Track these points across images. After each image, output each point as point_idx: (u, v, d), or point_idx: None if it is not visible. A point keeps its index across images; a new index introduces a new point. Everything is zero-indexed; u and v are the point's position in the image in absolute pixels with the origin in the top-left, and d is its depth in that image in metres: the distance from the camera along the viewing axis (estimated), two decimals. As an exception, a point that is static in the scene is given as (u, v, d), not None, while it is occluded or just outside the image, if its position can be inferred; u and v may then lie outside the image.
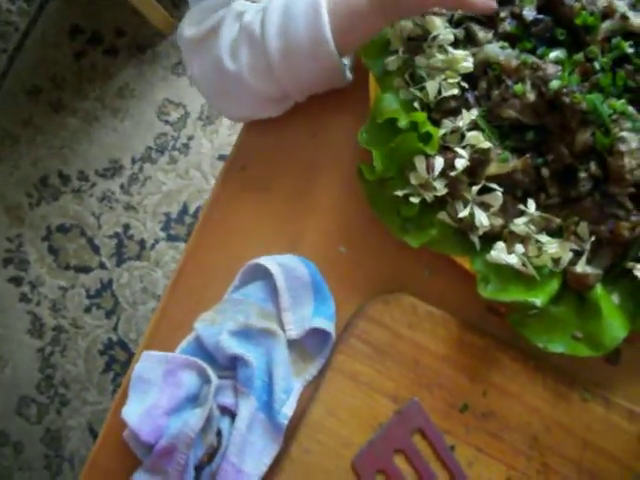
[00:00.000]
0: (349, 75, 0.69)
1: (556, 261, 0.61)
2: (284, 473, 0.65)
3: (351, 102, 0.71)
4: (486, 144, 0.61)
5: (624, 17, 0.61)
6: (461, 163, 0.60)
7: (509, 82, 0.61)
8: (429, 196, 0.62)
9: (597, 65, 0.60)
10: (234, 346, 0.65)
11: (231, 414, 0.67)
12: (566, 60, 0.61)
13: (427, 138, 0.61)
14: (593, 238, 0.60)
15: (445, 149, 0.62)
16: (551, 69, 0.60)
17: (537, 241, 0.61)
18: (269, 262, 0.67)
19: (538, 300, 0.59)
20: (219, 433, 0.67)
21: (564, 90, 0.59)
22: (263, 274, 0.68)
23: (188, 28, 0.70)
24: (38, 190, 1.84)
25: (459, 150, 0.61)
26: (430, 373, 0.65)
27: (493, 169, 0.61)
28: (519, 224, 0.61)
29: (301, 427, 0.66)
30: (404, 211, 0.63)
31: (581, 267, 0.60)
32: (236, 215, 0.72)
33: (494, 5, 0.60)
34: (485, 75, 0.63)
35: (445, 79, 0.62)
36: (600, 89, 0.59)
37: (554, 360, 0.64)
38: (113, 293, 1.77)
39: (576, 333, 0.61)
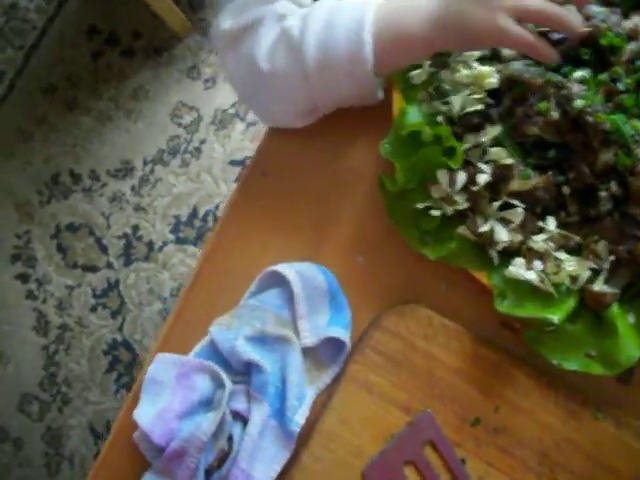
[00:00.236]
0: (380, 94, 0.69)
1: (574, 279, 0.61)
2: (294, 480, 0.65)
3: (374, 113, 0.71)
4: (509, 160, 0.61)
5: (649, 40, 0.61)
6: (483, 178, 0.61)
7: (533, 100, 0.61)
8: (450, 210, 0.62)
9: (621, 86, 0.60)
10: (249, 351, 0.66)
11: (243, 419, 0.67)
12: (590, 80, 0.61)
13: (451, 152, 0.61)
14: (612, 257, 0.60)
15: (467, 164, 0.62)
16: (576, 88, 0.60)
17: (556, 258, 0.61)
18: (287, 269, 0.67)
19: (555, 317, 0.59)
20: (230, 438, 0.67)
21: (588, 109, 0.59)
22: (280, 281, 0.69)
23: (226, 21, 0.69)
24: (49, 188, 1.84)
25: (481, 165, 0.61)
26: (443, 385, 0.66)
27: (515, 185, 0.61)
28: (538, 241, 0.61)
29: (313, 435, 0.66)
30: (424, 224, 0.64)
31: (599, 286, 0.60)
32: (255, 221, 0.72)
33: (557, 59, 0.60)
34: (509, 92, 0.63)
35: (470, 94, 0.63)
36: (624, 110, 0.59)
37: (567, 377, 0.64)
38: (119, 293, 1.78)
39: (590, 352, 0.61)
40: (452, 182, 0.61)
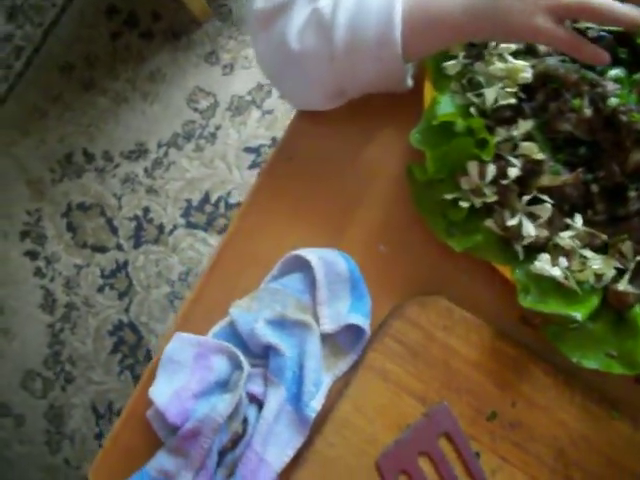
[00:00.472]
0: (410, 82, 0.68)
1: (598, 277, 0.61)
2: (306, 465, 0.65)
3: (403, 101, 0.71)
4: (540, 155, 0.61)
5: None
6: (514, 172, 0.61)
7: (567, 96, 0.61)
8: (478, 202, 0.62)
9: (656, 86, 0.60)
10: (269, 335, 0.66)
11: (258, 403, 0.67)
12: (625, 79, 0.61)
13: (483, 144, 0.61)
14: (638, 258, 0.60)
15: (497, 157, 0.62)
16: (610, 86, 0.60)
17: (581, 256, 0.61)
18: (310, 255, 0.67)
19: (579, 314, 0.59)
20: (245, 421, 0.67)
21: (622, 108, 0.59)
22: (302, 266, 0.69)
23: (260, 1, 0.69)
24: (62, 166, 1.84)
25: (512, 159, 0.61)
26: (461, 378, 0.66)
27: (544, 181, 0.61)
28: (565, 237, 0.61)
29: (327, 422, 0.66)
30: (451, 215, 0.64)
31: (623, 285, 0.60)
32: (279, 204, 0.72)
33: (607, 59, 0.57)
34: (543, 87, 0.63)
35: (503, 88, 0.63)
36: (658, 110, 0.59)
37: (584, 375, 0.64)
38: (128, 275, 1.78)
39: (611, 351, 0.61)
40: (482, 174, 0.61)
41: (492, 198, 0.62)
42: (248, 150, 1.75)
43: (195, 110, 1.80)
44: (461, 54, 0.66)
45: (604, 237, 0.61)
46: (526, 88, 0.64)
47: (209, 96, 1.80)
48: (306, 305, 0.68)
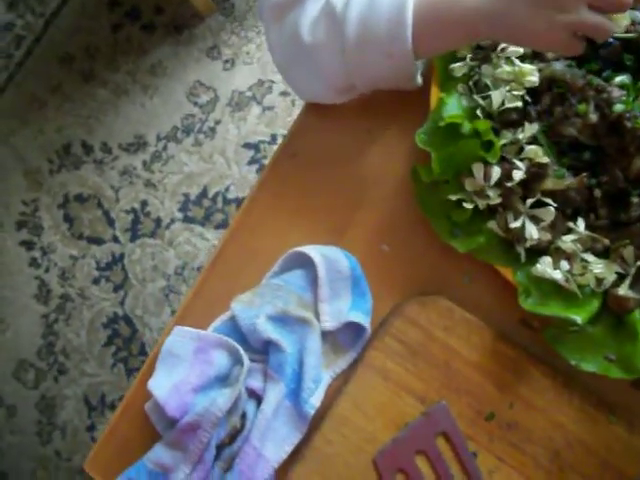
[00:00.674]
0: (419, 79, 0.68)
1: (599, 281, 0.62)
2: (304, 462, 0.66)
3: (408, 102, 0.72)
4: (544, 159, 0.61)
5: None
6: (518, 175, 0.61)
7: (573, 101, 0.62)
8: (482, 204, 0.63)
9: (661, 93, 0.61)
10: (270, 330, 0.66)
11: (257, 398, 0.68)
12: (631, 85, 0.61)
13: (488, 147, 0.61)
14: (638, 263, 0.61)
15: (502, 159, 0.63)
16: (616, 92, 0.60)
17: (583, 260, 0.61)
18: (313, 252, 0.67)
19: (579, 317, 0.59)
20: (244, 415, 0.67)
21: (627, 114, 0.59)
22: (304, 262, 0.69)
23: None
24: (60, 157, 1.84)
25: (517, 162, 0.62)
26: (460, 378, 0.66)
27: (548, 184, 0.61)
28: (567, 241, 0.61)
29: (326, 419, 0.66)
30: (455, 216, 0.64)
31: (623, 290, 0.61)
32: (283, 201, 0.73)
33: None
34: (549, 91, 0.63)
35: (510, 90, 0.63)
36: (663, 117, 0.60)
37: (582, 378, 0.64)
38: (123, 267, 1.77)
39: (609, 355, 0.61)
40: (487, 176, 0.61)
41: (496, 200, 0.62)
42: (247, 146, 1.75)
43: (195, 104, 1.79)
44: (468, 56, 0.66)
45: (606, 242, 0.62)
46: (532, 92, 0.64)
47: (209, 91, 1.80)
48: (307, 302, 0.68)
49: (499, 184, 0.62)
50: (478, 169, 0.62)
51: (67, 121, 1.85)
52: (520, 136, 0.62)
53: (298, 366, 0.67)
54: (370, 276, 0.69)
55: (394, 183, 0.72)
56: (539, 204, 0.62)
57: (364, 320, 0.67)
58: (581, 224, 0.62)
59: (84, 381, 1.76)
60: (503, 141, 0.63)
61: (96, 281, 1.79)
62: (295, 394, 0.67)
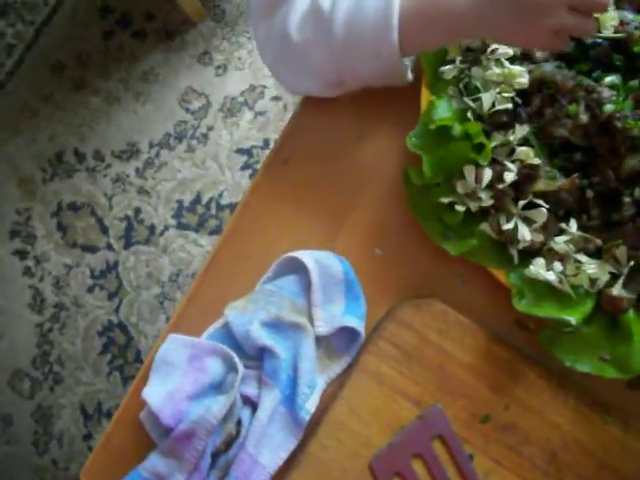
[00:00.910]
0: (410, 75, 0.69)
1: (593, 282, 0.62)
2: (300, 468, 0.65)
3: (398, 106, 0.72)
4: (536, 160, 0.61)
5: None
6: (510, 177, 0.61)
7: (563, 102, 0.62)
8: (474, 206, 0.63)
9: (651, 93, 0.61)
10: (264, 337, 0.66)
11: (252, 404, 0.67)
12: (621, 86, 0.62)
13: (479, 149, 0.61)
14: (631, 263, 0.61)
15: (493, 161, 0.63)
16: (606, 93, 0.60)
17: (576, 260, 0.61)
18: (306, 257, 0.67)
19: (573, 318, 0.60)
20: (239, 422, 0.67)
21: (617, 115, 0.59)
22: (297, 268, 0.69)
23: None
24: (52, 165, 1.83)
25: (508, 164, 0.62)
26: (455, 381, 0.66)
27: (540, 186, 0.61)
28: (559, 242, 0.62)
29: (322, 424, 0.66)
30: (447, 219, 0.64)
31: (617, 290, 0.61)
32: (275, 207, 0.72)
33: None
34: (539, 93, 0.63)
35: (500, 92, 0.63)
36: (653, 117, 0.60)
37: (577, 379, 0.64)
38: (118, 275, 1.77)
39: (604, 355, 0.62)
40: (478, 178, 0.61)
41: (488, 202, 0.62)
42: (240, 151, 1.74)
43: (187, 111, 1.79)
44: (458, 59, 0.66)
45: (598, 242, 0.62)
46: (522, 93, 0.64)
47: (201, 97, 1.79)
48: (301, 307, 0.68)
49: (491, 186, 0.62)
50: (469, 171, 0.62)
51: (59, 129, 1.84)
52: (511, 138, 0.62)
53: (293, 372, 0.67)
54: (363, 280, 0.69)
55: (386, 186, 0.72)
56: (531, 205, 0.62)
57: (358, 324, 0.67)
58: (573, 225, 0.62)
59: (80, 390, 1.75)
60: (494, 143, 0.63)
61: (90, 289, 1.78)
62: (290, 400, 0.66)
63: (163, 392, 0.67)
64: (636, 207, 0.61)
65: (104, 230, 1.79)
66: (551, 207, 0.62)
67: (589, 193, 0.62)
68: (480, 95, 0.64)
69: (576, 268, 0.61)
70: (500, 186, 0.61)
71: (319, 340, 0.68)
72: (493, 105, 0.63)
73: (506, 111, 0.63)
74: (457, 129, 0.61)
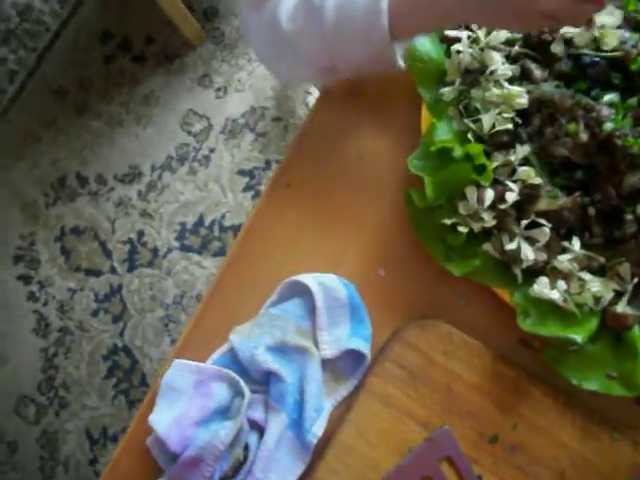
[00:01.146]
0: (400, 63, 0.68)
1: (597, 299, 0.62)
2: (309, 492, 0.65)
3: (399, 127, 0.72)
4: (537, 180, 0.62)
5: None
6: (511, 197, 0.61)
7: (562, 121, 0.62)
8: (477, 227, 0.63)
9: (650, 111, 0.61)
10: (269, 361, 0.66)
11: (259, 429, 0.67)
12: (619, 104, 0.62)
13: (481, 170, 0.61)
14: (635, 280, 0.61)
15: (495, 182, 0.63)
16: (605, 111, 0.61)
17: (579, 279, 0.62)
18: (310, 280, 0.67)
19: (579, 337, 0.59)
20: (246, 447, 0.67)
21: (617, 133, 0.60)
22: (301, 291, 0.69)
23: None
24: (55, 190, 1.84)
25: (510, 184, 0.62)
26: (462, 402, 0.66)
27: (542, 205, 0.61)
28: (563, 261, 0.62)
29: (329, 447, 0.66)
30: (450, 240, 0.64)
31: (621, 307, 0.61)
32: (278, 230, 0.73)
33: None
34: (539, 112, 0.64)
35: (500, 113, 0.64)
36: (652, 134, 0.60)
37: (583, 397, 0.64)
38: (122, 298, 1.77)
39: (610, 372, 0.61)
40: (480, 199, 0.62)
41: (490, 223, 0.62)
42: (242, 173, 1.75)
43: (189, 133, 1.80)
44: (457, 80, 0.67)
45: (602, 260, 0.62)
46: (522, 113, 0.65)
47: (203, 119, 1.80)
48: (306, 331, 0.68)
49: (493, 206, 0.62)
50: (471, 192, 0.62)
51: (62, 154, 1.85)
52: (512, 158, 0.63)
53: (299, 395, 0.67)
54: (368, 302, 0.69)
55: (389, 208, 0.72)
56: (533, 225, 0.62)
57: (364, 347, 0.67)
58: (576, 243, 0.62)
59: (85, 414, 1.75)
60: (495, 164, 0.63)
61: (95, 313, 1.78)
62: (297, 424, 0.66)
63: (169, 418, 0.67)
64: (638, 224, 0.61)
65: (107, 254, 1.79)
66: (553, 226, 0.62)
67: (591, 211, 0.62)
68: (480, 116, 0.64)
69: (580, 286, 0.61)
70: (502, 206, 0.62)
71: (325, 363, 0.68)
72: (493, 126, 0.64)
73: (506, 131, 0.64)
74: (458, 151, 0.62)
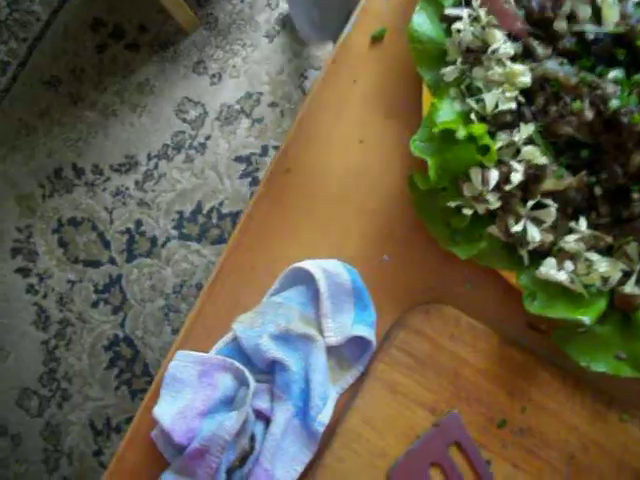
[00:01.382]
0: None
1: (605, 280, 0.61)
2: (316, 481, 0.65)
3: (399, 109, 0.71)
4: (542, 160, 0.60)
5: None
6: (516, 177, 0.60)
7: (567, 99, 0.61)
8: (481, 209, 0.62)
9: (657, 87, 0.60)
10: (273, 350, 0.65)
11: (265, 419, 0.66)
12: (625, 80, 0.60)
13: (484, 150, 0.60)
14: (643, 259, 0.60)
15: (499, 163, 0.62)
16: (610, 88, 0.60)
17: (587, 259, 0.60)
18: (312, 267, 0.66)
19: (587, 318, 0.58)
20: (252, 437, 0.66)
21: (622, 110, 0.58)
22: (304, 278, 0.68)
23: None
24: (51, 182, 1.82)
25: (515, 164, 0.61)
26: (469, 386, 0.65)
27: (548, 185, 0.60)
28: (569, 241, 0.61)
29: (336, 436, 0.65)
30: (454, 222, 0.63)
31: (630, 287, 0.60)
32: (279, 217, 0.72)
33: None
34: (543, 91, 0.62)
35: (502, 92, 0.62)
36: (659, 111, 0.59)
37: (592, 379, 0.63)
38: (121, 289, 1.76)
39: (619, 353, 0.61)
40: (485, 181, 0.60)
41: (495, 204, 0.61)
42: (239, 159, 1.74)
43: (184, 121, 1.79)
44: (458, 60, 0.65)
45: (609, 239, 0.61)
46: (526, 92, 0.63)
47: (198, 106, 1.79)
48: (310, 318, 0.67)
49: (498, 188, 0.61)
50: (475, 174, 0.61)
51: (57, 145, 1.84)
52: (516, 138, 0.61)
53: (305, 384, 0.66)
54: (372, 287, 0.68)
55: (391, 192, 0.71)
56: (539, 205, 0.61)
57: (369, 333, 0.66)
58: (583, 223, 0.61)
59: (88, 405, 1.75)
60: (499, 144, 0.62)
61: (95, 304, 1.77)
62: (303, 412, 0.66)
63: (174, 410, 0.66)
64: (646, 203, 0.60)
65: (106, 244, 1.78)
66: (560, 206, 0.61)
67: (597, 190, 0.61)
68: (483, 96, 0.63)
69: (587, 267, 0.60)
70: (507, 187, 0.60)
71: (330, 350, 0.67)
72: (496, 105, 0.62)
73: (510, 111, 0.62)
74: (461, 131, 0.60)
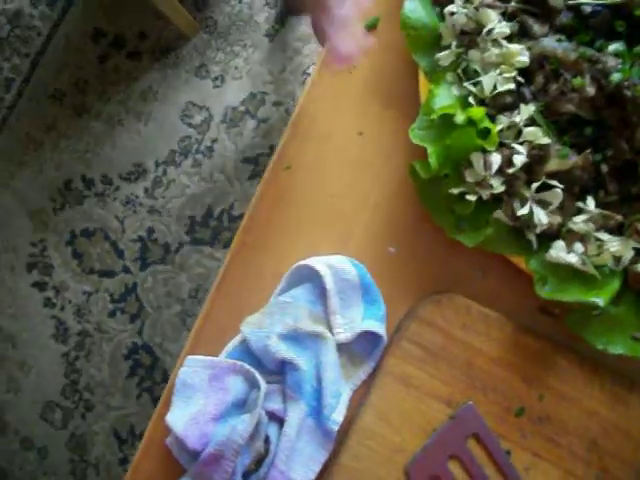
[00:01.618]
0: None
1: (617, 259, 0.59)
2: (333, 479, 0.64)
3: (396, 97, 0.70)
4: (545, 140, 0.59)
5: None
6: (519, 160, 0.59)
7: (567, 76, 0.59)
8: (486, 194, 0.60)
9: (658, 57, 0.58)
10: (283, 350, 0.64)
11: (279, 420, 0.66)
12: (626, 53, 0.59)
13: (485, 134, 0.59)
14: (656, 236, 0.58)
15: (501, 146, 0.60)
16: (611, 62, 0.58)
17: (597, 239, 0.59)
18: (318, 264, 0.65)
19: (600, 300, 0.57)
20: (267, 440, 0.65)
21: (625, 83, 0.57)
22: (310, 276, 0.67)
23: None
24: (62, 194, 1.83)
25: (517, 146, 0.59)
26: (484, 376, 0.64)
27: (552, 165, 0.59)
28: (578, 222, 0.59)
29: (351, 433, 0.64)
30: (459, 210, 0.62)
31: (643, 266, 0.58)
32: (281, 215, 0.71)
33: None
34: (541, 69, 0.61)
35: (500, 74, 0.61)
36: (663, 82, 0.57)
37: (611, 363, 0.62)
38: (137, 297, 1.76)
39: (636, 334, 0.59)
40: (487, 165, 0.59)
41: (500, 189, 0.60)
42: (246, 160, 1.73)
43: (190, 125, 1.78)
44: (453, 43, 0.64)
45: (619, 218, 0.59)
46: (524, 72, 0.62)
47: (202, 110, 1.78)
48: (318, 315, 0.66)
49: (501, 172, 0.60)
50: (477, 159, 0.60)
51: (65, 158, 1.84)
52: (517, 119, 0.60)
53: (317, 382, 0.65)
54: (380, 280, 0.67)
55: (393, 183, 0.69)
56: (545, 187, 0.60)
57: (379, 327, 0.65)
58: (591, 202, 0.59)
59: (111, 415, 1.75)
60: (500, 126, 0.60)
61: (112, 314, 1.78)
62: (317, 412, 0.64)
63: (187, 416, 0.65)
64: (655, 177, 0.58)
65: (119, 253, 1.78)
66: (566, 187, 0.59)
67: (604, 168, 0.60)
68: (480, 78, 0.61)
69: (598, 247, 0.59)
70: (510, 170, 0.59)
71: (341, 347, 0.66)
72: (495, 87, 0.61)
73: (509, 92, 0.61)
74: (460, 116, 0.59)
